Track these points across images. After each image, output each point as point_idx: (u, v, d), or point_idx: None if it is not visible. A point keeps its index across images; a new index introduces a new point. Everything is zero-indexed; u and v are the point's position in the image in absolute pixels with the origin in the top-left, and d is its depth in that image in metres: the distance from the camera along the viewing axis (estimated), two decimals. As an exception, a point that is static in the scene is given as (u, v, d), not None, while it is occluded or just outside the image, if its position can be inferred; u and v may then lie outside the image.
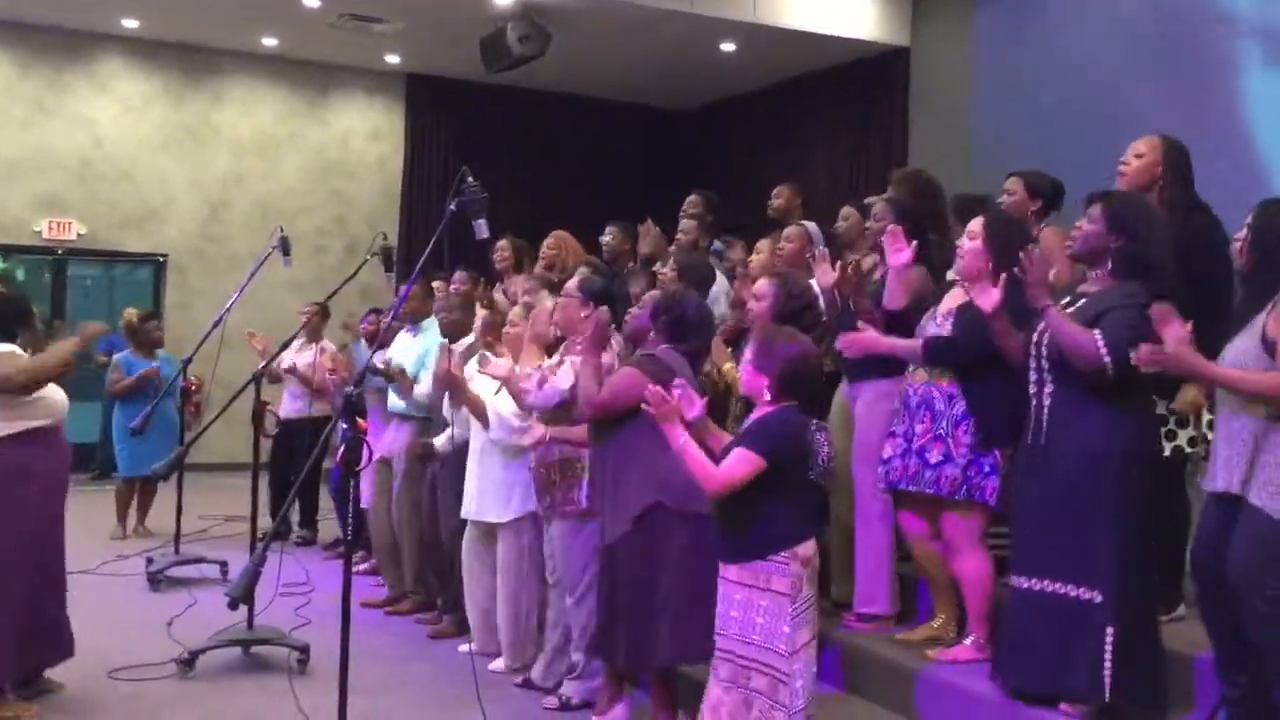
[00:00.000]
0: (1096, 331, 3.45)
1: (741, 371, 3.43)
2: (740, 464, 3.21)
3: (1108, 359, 3.42)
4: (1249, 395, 3.13)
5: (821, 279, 4.41)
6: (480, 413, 4.87)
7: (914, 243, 4.16)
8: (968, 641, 4.08)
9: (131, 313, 8.30)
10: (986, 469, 3.95)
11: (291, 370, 7.55)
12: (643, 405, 3.34)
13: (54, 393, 4.37)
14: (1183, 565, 4.04)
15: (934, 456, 4.02)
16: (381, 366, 5.70)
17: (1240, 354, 3.17)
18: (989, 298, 3.73)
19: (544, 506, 4.49)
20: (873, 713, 4.20)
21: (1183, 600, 4.09)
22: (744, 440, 3.28)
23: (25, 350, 4.35)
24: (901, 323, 4.26)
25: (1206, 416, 3.93)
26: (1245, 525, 3.12)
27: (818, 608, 3.36)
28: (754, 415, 3.38)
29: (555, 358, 4.56)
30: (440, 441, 5.46)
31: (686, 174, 10.62)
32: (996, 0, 9.22)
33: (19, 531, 4.19)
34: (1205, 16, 7.60)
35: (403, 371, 5.69)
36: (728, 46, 10.42)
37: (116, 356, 8.04)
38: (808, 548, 3.27)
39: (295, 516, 8.05)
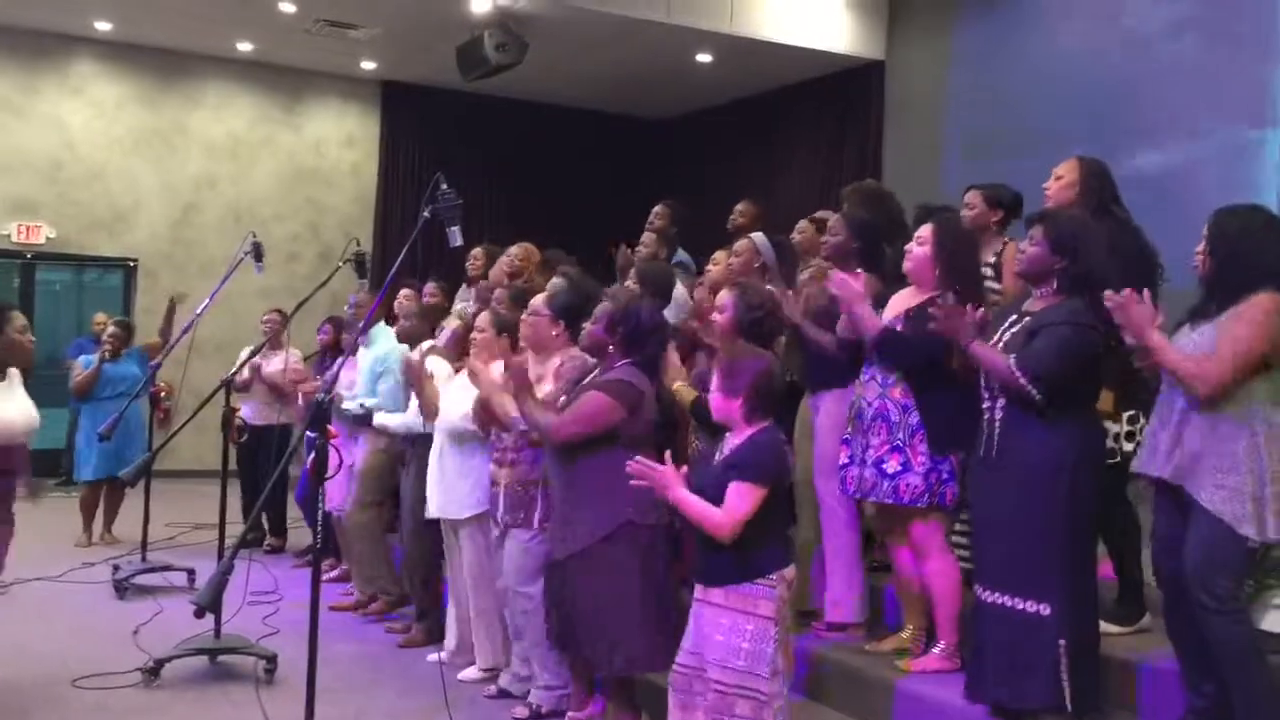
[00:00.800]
0: (1011, 358, 3.51)
1: (711, 399, 3.41)
2: (743, 500, 3.18)
3: (1026, 383, 3.49)
4: (1170, 371, 3.26)
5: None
6: (431, 409, 4.90)
7: (859, 272, 4.22)
8: (936, 650, 4.11)
9: (102, 319, 8.23)
10: (945, 475, 4.00)
11: (256, 378, 7.51)
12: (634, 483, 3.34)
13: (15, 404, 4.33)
14: (1140, 574, 4.09)
15: (892, 467, 4.04)
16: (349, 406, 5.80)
17: (1195, 346, 3.28)
18: (849, 287, 3.98)
19: (510, 521, 4.46)
20: (841, 722, 4.21)
21: (1145, 612, 4.13)
22: (737, 473, 3.23)
23: None
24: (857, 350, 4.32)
25: (1125, 428, 4.02)
26: (1197, 528, 3.21)
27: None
28: (734, 441, 3.35)
29: (548, 385, 4.50)
30: (394, 420, 5.49)
31: (662, 184, 10.65)
32: (972, 15, 9.29)
33: None
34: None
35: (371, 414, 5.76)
36: (704, 57, 10.45)
37: (81, 359, 7.97)
38: (790, 571, 3.30)
39: (264, 524, 7.99)
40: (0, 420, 4.34)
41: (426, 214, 3.63)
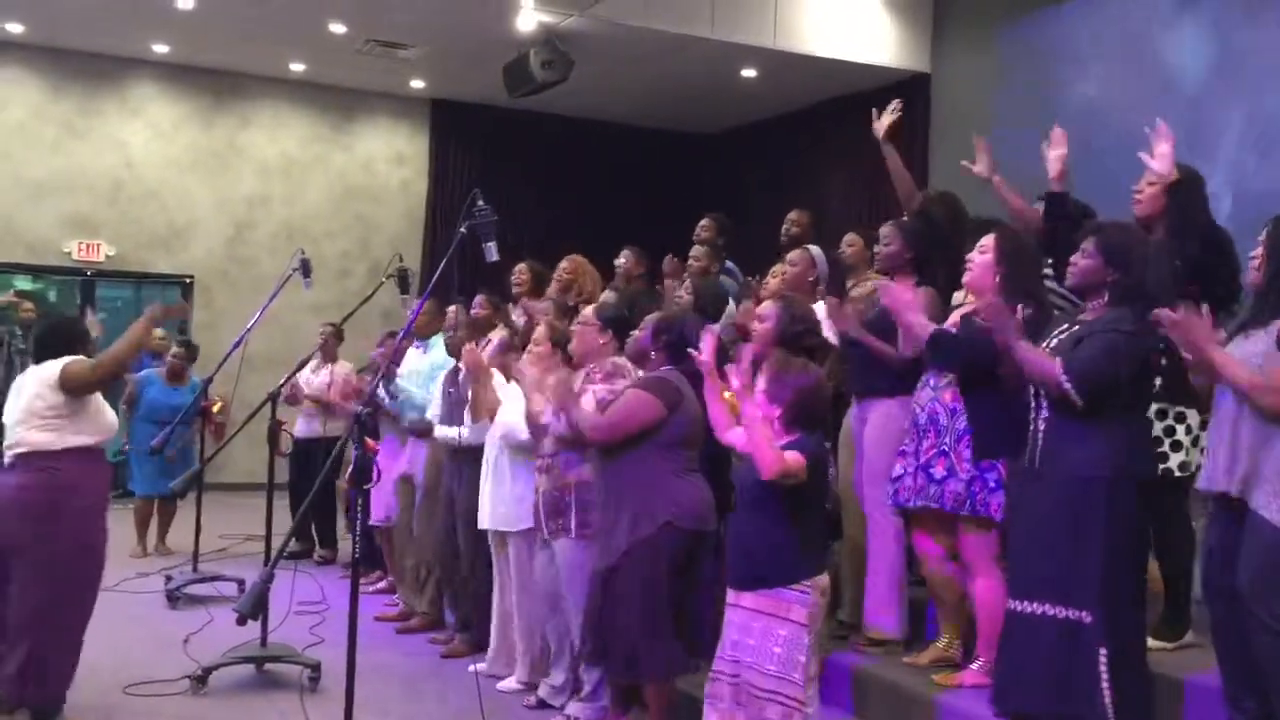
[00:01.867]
0: (1058, 360, 3.48)
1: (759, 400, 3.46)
2: (795, 458, 3.26)
3: (1070, 388, 3.45)
4: (1234, 386, 3.18)
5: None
6: (486, 407, 4.94)
7: (914, 283, 4.19)
8: (975, 666, 4.07)
9: (161, 335, 8.40)
10: (991, 484, 3.95)
11: (301, 395, 7.65)
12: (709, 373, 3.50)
13: (107, 411, 4.45)
14: (1189, 590, 4.02)
15: (939, 472, 4.03)
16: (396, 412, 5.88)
17: (1249, 355, 3.21)
18: (901, 299, 3.96)
19: (552, 528, 4.51)
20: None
21: (1190, 627, 4.07)
22: (793, 445, 3.32)
23: None
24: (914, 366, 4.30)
25: (1202, 442, 3.95)
26: (1252, 537, 3.13)
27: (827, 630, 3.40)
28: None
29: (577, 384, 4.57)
30: (450, 433, 5.51)
31: (707, 199, 10.64)
32: (1018, 26, 9.23)
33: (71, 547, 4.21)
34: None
35: (420, 422, 5.82)
36: (748, 72, 10.48)
37: (140, 374, 8.13)
38: (824, 579, 3.33)
39: (314, 536, 8.11)
40: (109, 418, 4.43)
41: (463, 230, 3.68)
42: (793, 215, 6.59)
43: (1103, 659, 3.44)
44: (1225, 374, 3.20)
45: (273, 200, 11.95)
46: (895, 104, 5.01)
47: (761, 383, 3.43)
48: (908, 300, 4.06)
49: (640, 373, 4.34)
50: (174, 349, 8.19)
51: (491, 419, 4.98)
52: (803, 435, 3.37)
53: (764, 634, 3.27)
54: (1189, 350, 3.29)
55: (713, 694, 3.43)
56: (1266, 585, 3.10)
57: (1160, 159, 3.91)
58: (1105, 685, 3.43)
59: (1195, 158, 7.19)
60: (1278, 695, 3.15)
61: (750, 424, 3.30)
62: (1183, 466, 3.96)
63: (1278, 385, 3.10)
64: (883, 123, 4.98)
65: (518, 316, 6.43)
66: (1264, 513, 3.11)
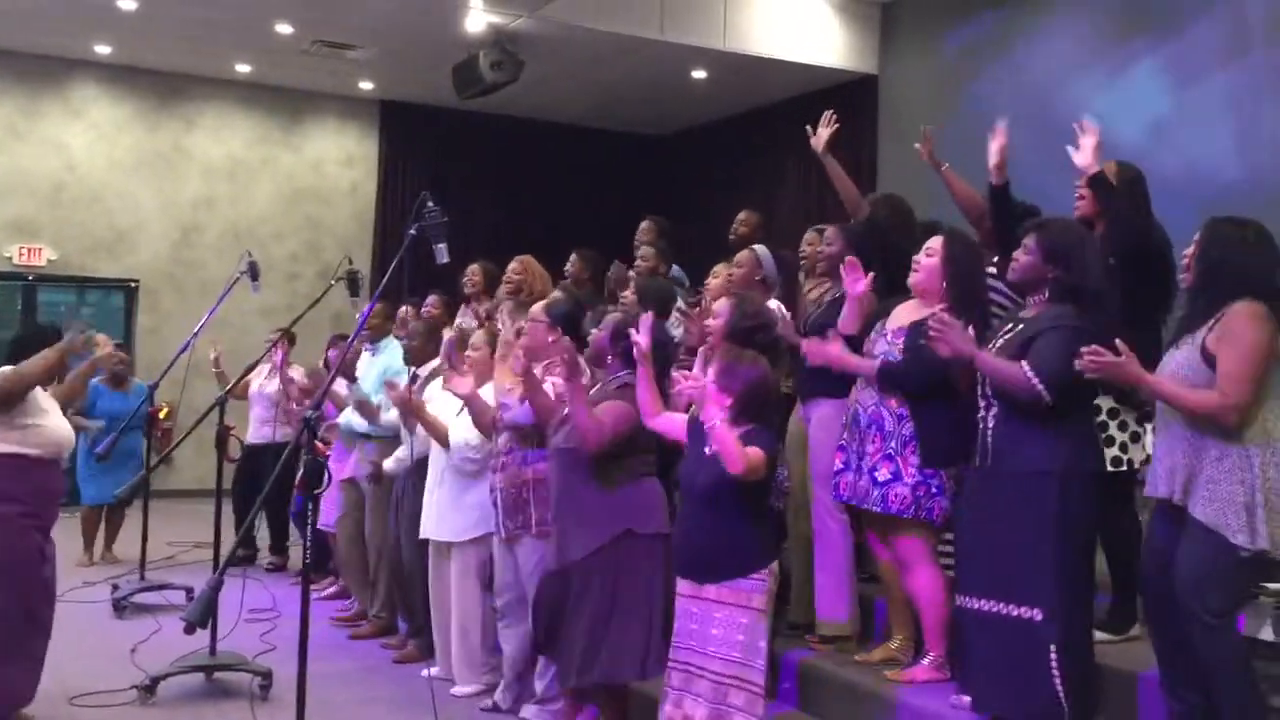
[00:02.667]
0: (1024, 362, 3.52)
1: (708, 392, 3.49)
2: (758, 454, 3.34)
3: (1040, 387, 3.49)
4: (1184, 411, 3.23)
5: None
6: (440, 436, 4.89)
7: (870, 274, 4.21)
8: (925, 661, 4.12)
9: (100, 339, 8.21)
10: (934, 489, 4.01)
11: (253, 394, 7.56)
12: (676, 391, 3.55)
13: (55, 426, 4.35)
14: (1136, 583, 4.09)
15: (883, 475, 4.07)
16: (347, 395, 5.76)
17: (1179, 365, 3.27)
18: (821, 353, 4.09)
19: (511, 526, 4.49)
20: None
21: (1138, 619, 4.13)
22: (750, 440, 3.38)
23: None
24: (856, 346, 4.33)
25: (1149, 435, 4.01)
26: (1189, 540, 3.21)
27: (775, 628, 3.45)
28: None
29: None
30: (389, 463, 5.50)
31: (658, 200, 10.71)
32: (964, 29, 9.34)
33: None
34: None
35: (366, 403, 5.73)
36: (699, 74, 10.52)
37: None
38: (775, 566, 3.42)
39: (266, 541, 8.03)
40: (64, 433, 4.36)
41: (413, 231, 3.66)
42: (741, 216, 6.62)
43: (1053, 655, 3.49)
44: (1176, 403, 3.24)
45: (219, 202, 11.80)
46: (829, 115, 5.05)
47: (712, 374, 3.48)
48: (831, 352, 4.17)
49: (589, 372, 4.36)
50: (115, 355, 8.02)
51: (444, 445, 4.92)
52: (756, 428, 3.40)
53: (727, 623, 3.35)
54: (1127, 385, 3.35)
55: (671, 684, 3.46)
56: (1201, 583, 3.18)
57: (1082, 152, 3.96)
58: (1057, 681, 3.48)
59: (1149, 152, 7.36)
60: (1217, 686, 3.22)
61: (713, 426, 3.35)
62: (1115, 461, 4.02)
63: (1234, 401, 3.14)
64: (821, 136, 5.02)
65: (468, 318, 6.42)
66: (1199, 516, 3.19)
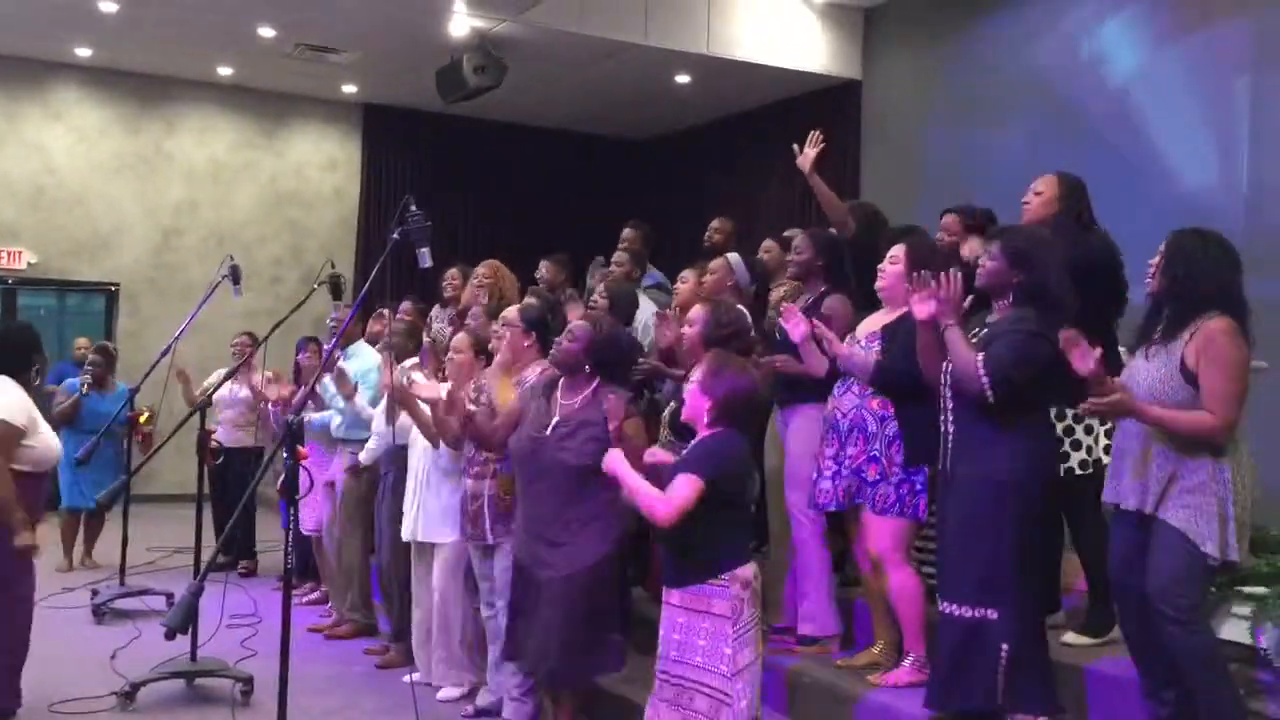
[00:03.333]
0: (979, 356, 3.57)
1: (687, 394, 3.52)
2: (684, 488, 3.28)
3: (985, 383, 3.55)
4: (1177, 433, 3.25)
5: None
6: (428, 428, 4.87)
7: (809, 320, 4.26)
8: (906, 662, 4.14)
9: (82, 343, 8.19)
10: (918, 487, 4.06)
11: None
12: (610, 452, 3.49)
13: (46, 444, 4.35)
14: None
15: (871, 475, 4.12)
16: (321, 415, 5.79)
17: (1154, 379, 3.30)
18: (797, 328, 4.14)
19: (499, 533, 4.46)
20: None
21: (1115, 623, 4.15)
22: (685, 465, 3.35)
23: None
24: (827, 384, 4.39)
25: (1104, 440, 4.05)
26: (1160, 542, 3.26)
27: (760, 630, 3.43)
28: (696, 440, 3.46)
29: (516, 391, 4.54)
30: (364, 455, 5.50)
31: (642, 204, 10.72)
32: (947, 34, 9.37)
33: None
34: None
35: (343, 373, 5.71)
36: (682, 78, 10.53)
37: (66, 382, 7.96)
38: (747, 570, 3.36)
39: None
40: (54, 447, 4.36)
41: (396, 235, 3.66)
42: (715, 223, 6.65)
43: (1003, 653, 3.55)
44: (1169, 427, 3.27)
45: (201, 206, 11.75)
46: (815, 136, 5.08)
47: (696, 374, 3.48)
48: (820, 362, 4.22)
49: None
50: (91, 356, 7.96)
51: (434, 442, 4.90)
52: (717, 433, 3.39)
53: (688, 628, 3.35)
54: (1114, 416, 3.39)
55: (656, 692, 3.47)
56: (1173, 584, 3.23)
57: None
58: (1000, 676, 3.54)
59: (1125, 155, 7.43)
60: (1197, 686, 3.26)
61: (633, 490, 3.37)
62: (1083, 465, 4.09)
63: (1227, 421, 3.19)
64: (808, 155, 5.05)
65: (442, 321, 6.41)
66: (1173, 521, 3.23)
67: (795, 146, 5.12)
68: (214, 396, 7.54)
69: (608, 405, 3.83)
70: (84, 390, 7.53)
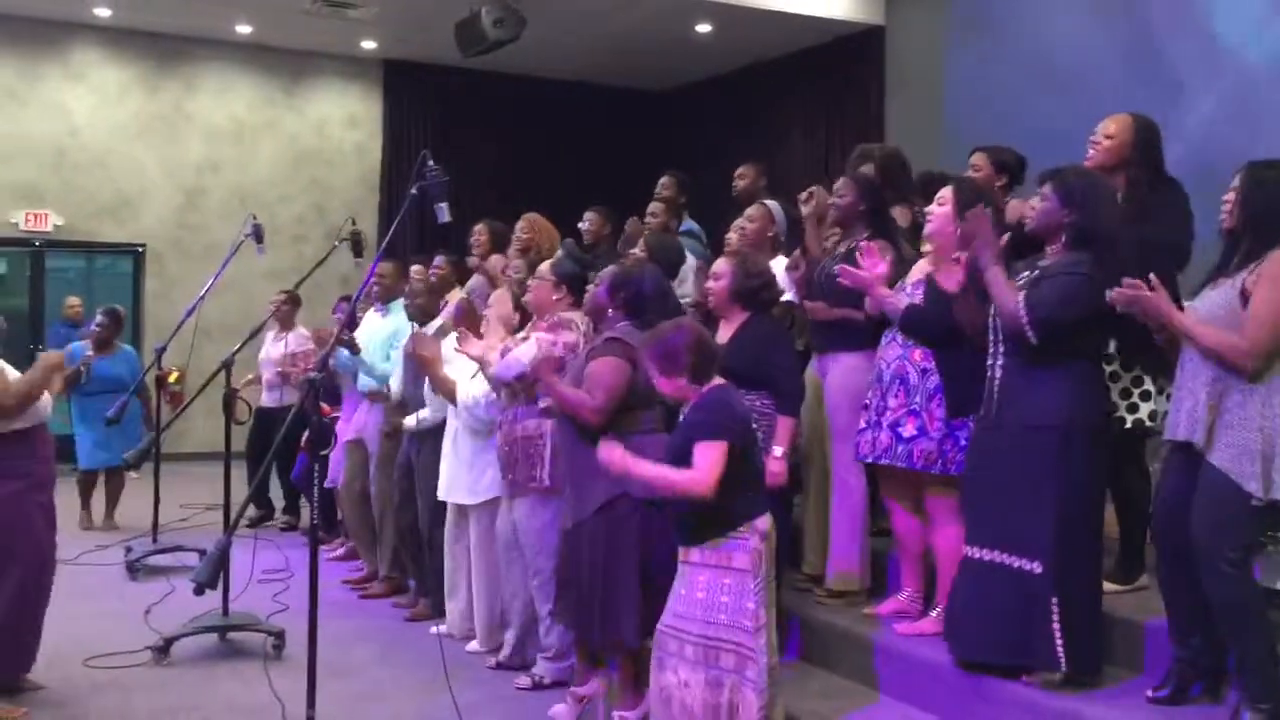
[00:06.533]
0: (1021, 295, 3.52)
1: (658, 386, 3.45)
2: (711, 455, 3.23)
3: (1025, 322, 3.51)
4: (1205, 350, 3.21)
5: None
6: (450, 394, 4.88)
7: (889, 257, 4.19)
8: (933, 614, 4.13)
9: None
10: (961, 442, 3.98)
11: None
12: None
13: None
14: (1144, 536, 4.09)
15: (908, 430, 4.06)
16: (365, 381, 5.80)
17: (1215, 305, 3.25)
18: (859, 277, 4.03)
19: (508, 483, 4.49)
20: (830, 681, 4.26)
21: (1144, 571, 4.14)
22: (697, 433, 3.28)
23: None
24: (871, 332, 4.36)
25: (1150, 390, 3.99)
26: (1206, 488, 3.20)
27: (781, 583, 3.42)
28: (694, 398, 3.39)
29: (522, 333, 4.57)
30: (409, 421, 5.50)
31: (664, 155, 10.62)
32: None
33: None
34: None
35: (349, 337, 5.73)
36: (703, 28, 10.41)
37: (70, 347, 8.00)
38: (764, 521, 3.33)
39: (280, 503, 8.08)
40: (46, 400, 4.37)
41: (414, 192, 3.64)
42: (740, 169, 6.56)
43: (1055, 608, 3.50)
44: (1196, 340, 3.22)
45: (224, 166, 11.76)
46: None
47: (651, 368, 3.41)
48: (868, 278, 4.10)
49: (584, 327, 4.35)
50: (98, 318, 7.95)
51: (452, 400, 4.91)
52: (706, 391, 3.35)
53: (711, 586, 3.29)
54: (1151, 321, 3.32)
55: (662, 649, 3.41)
56: (1218, 530, 3.18)
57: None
58: (1057, 634, 3.50)
59: (1161, 107, 7.28)
60: (1234, 636, 3.23)
61: (652, 479, 3.32)
62: (1152, 416, 4.00)
63: (1253, 346, 3.13)
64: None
65: (479, 277, 6.39)
66: (1218, 463, 3.17)
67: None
68: (259, 358, 7.63)
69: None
70: (88, 356, 7.54)
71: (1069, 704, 3.50)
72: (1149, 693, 3.50)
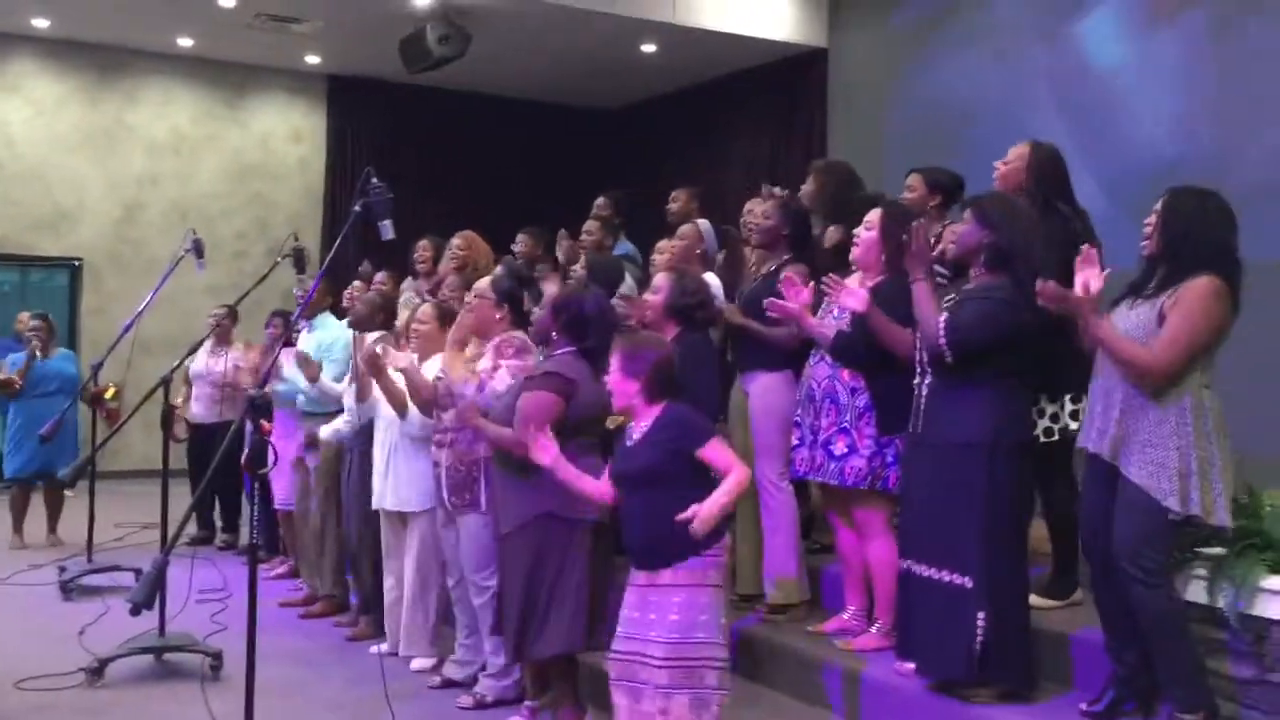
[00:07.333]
0: (943, 317, 3.61)
1: (609, 385, 3.47)
2: (725, 450, 3.31)
3: (944, 344, 3.59)
4: (1116, 359, 3.31)
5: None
6: (399, 402, 4.85)
7: (810, 285, 4.22)
8: (874, 629, 4.19)
9: (23, 317, 8.17)
10: (889, 459, 4.07)
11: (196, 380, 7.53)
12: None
13: None
14: (1076, 549, 4.17)
15: (839, 449, 4.13)
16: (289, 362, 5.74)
17: (1133, 326, 3.34)
18: (858, 299, 3.92)
19: (457, 503, 4.48)
20: (778, 703, 4.28)
21: (1078, 586, 4.22)
22: (687, 444, 3.29)
23: None
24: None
25: (1070, 407, 4.09)
26: (1125, 501, 3.29)
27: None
28: (643, 423, 3.39)
29: (485, 360, 4.51)
30: (325, 431, 5.49)
31: (609, 174, 10.68)
32: (913, 2, 9.36)
33: None
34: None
35: (307, 357, 5.70)
36: (648, 47, 10.48)
37: (10, 359, 7.90)
38: (727, 536, 3.38)
39: (217, 522, 7.97)
40: None
41: (358, 208, 3.63)
42: (674, 193, 6.64)
43: (980, 621, 3.57)
44: (1110, 347, 3.32)
45: (164, 179, 11.61)
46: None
47: (615, 361, 3.42)
48: (794, 310, 4.14)
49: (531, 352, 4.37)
50: (32, 323, 7.85)
51: (402, 412, 4.88)
52: (667, 406, 3.36)
53: (687, 605, 3.25)
54: (1074, 318, 3.41)
55: (618, 674, 3.37)
56: (1137, 543, 3.27)
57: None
58: (978, 644, 3.57)
59: (1097, 130, 7.46)
60: (1156, 645, 3.32)
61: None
62: (1047, 432, 4.10)
63: (1160, 366, 3.23)
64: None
65: (415, 293, 6.39)
66: (1134, 479, 3.27)
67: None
68: (189, 372, 7.54)
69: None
70: (33, 357, 7.46)
71: (1008, 717, 3.56)
72: (1083, 706, 3.57)
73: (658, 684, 3.23)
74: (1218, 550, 3.46)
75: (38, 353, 7.54)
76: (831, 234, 4.93)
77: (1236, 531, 3.44)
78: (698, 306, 4.33)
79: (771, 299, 4.22)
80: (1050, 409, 4.11)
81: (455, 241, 6.13)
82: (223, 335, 7.71)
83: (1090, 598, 3.80)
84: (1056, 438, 4.08)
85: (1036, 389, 4.04)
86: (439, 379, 4.56)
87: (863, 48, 9.90)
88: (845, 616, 4.42)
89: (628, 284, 5.53)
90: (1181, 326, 3.23)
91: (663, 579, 3.30)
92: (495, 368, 4.38)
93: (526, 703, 4.24)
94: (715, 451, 3.29)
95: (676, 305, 4.30)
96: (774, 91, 10.73)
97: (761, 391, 4.57)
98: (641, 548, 3.37)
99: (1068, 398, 4.09)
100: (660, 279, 4.48)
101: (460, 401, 4.34)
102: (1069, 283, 3.38)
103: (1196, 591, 3.64)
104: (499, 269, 5.34)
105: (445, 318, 4.92)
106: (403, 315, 5.72)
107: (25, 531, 7.75)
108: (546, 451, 3.48)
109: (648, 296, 4.45)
